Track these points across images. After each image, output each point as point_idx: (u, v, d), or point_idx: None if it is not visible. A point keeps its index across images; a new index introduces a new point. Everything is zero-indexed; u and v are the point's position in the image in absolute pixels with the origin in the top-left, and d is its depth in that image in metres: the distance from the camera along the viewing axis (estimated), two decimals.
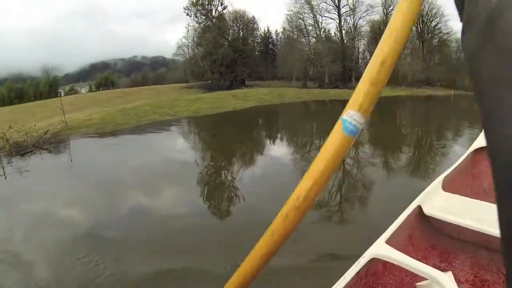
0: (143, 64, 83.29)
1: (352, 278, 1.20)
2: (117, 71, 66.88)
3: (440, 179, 1.96)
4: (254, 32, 50.13)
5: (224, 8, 34.42)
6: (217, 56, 30.11)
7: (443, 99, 24.68)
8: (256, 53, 48.20)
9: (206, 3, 34.15)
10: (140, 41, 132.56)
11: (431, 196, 1.90)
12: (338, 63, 35.33)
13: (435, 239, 1.78)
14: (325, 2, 39.72)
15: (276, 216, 0.33)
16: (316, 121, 11.73)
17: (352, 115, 0.33)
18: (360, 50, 41.73)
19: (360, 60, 41.73)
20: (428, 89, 34.35)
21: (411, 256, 1.32)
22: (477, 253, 1.70)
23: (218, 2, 33.79)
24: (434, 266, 1.39)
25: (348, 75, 37.76)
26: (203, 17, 33.65)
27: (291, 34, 36.88)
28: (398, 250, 1.36)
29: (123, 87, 36.31)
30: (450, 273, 1.31)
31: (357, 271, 1.25)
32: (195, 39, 33.35)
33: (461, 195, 1.80)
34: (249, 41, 41.61)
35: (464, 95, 28.66)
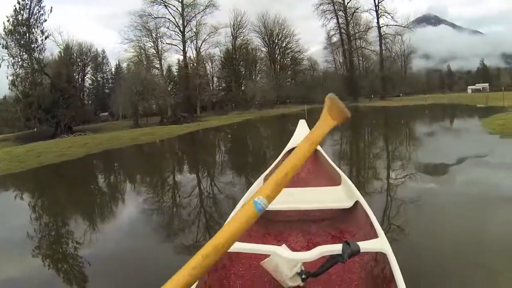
0: None
1: (204, 275, 1.26)
2: None
3: (262, 177, 2.50)
4: (103, 67, 42.03)
5: (47, 37, 27.50)
6: (33, 99, 22.84)
7: (298, 115, 25.71)
8: (106, 90, 42.46)
9: (24, 30, 26.38)
10: None
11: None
12: (178, 93, 33.45)
13: (268, 227, 2.07)
14: (168, 28, 36.49)
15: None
16: None
17: (262, 200, 0.55)
18: (211, 75, 40.21)
19: (211, 88, 40.19)
20: (281, 107, 35.90)
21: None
22: (304, 225, 2.09)
23: (37, 29, 26.82)
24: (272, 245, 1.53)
25: (193, 105, 35.35)
26: (21, 49, 25.94)
27: (136, 66, 33.65)
28: (238, 241, 1.30)
29: None
30: (284, 244, 1.45)
31: None
32: (10, 77, 25.21)
33: None
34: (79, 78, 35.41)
35: (317, 108, 30.79)
